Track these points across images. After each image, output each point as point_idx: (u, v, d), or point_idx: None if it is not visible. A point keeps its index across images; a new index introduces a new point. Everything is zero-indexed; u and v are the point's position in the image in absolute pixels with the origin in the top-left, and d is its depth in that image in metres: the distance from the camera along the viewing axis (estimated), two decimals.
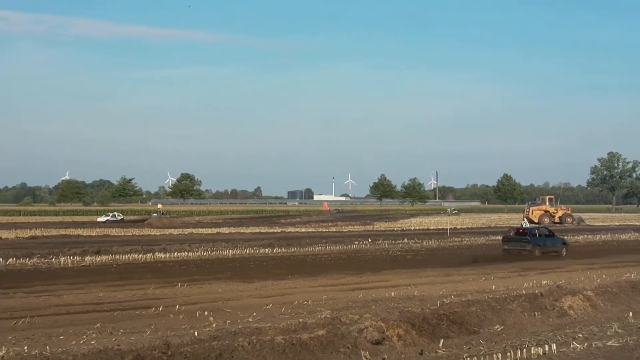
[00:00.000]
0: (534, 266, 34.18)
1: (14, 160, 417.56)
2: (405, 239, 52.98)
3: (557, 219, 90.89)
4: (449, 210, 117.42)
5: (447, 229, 68.34)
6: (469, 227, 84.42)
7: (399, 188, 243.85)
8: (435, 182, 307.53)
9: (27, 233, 62.59)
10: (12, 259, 34.17)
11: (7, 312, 19.25)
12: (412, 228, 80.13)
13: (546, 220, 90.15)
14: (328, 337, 14.50)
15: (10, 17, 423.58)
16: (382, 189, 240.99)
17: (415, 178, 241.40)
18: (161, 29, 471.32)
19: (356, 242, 49.45)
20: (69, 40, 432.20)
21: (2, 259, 33.99)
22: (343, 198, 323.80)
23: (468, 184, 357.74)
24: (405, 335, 15.57)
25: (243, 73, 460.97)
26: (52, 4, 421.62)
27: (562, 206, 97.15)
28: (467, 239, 55.96)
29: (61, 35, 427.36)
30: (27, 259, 34.34)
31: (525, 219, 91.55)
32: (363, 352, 14.28)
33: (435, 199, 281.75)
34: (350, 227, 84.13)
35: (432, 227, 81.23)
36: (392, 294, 23.16)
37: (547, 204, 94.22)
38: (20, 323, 17.46)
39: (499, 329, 17.14)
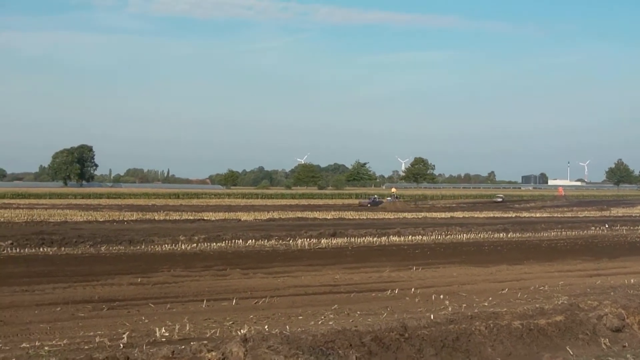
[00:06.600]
0: None
1: (252, 145, 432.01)
2: None
3: None
4: None
5: None
6: None
7: (637, 173, 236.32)
8: None
9: (265, 215, 64.80)
10: (252, 240, 35.50)
11: (248, 291, 19.99)
12: None
13: None
14: (566, 323, 14.23)
15: (256, 6, 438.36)
16: (618, 174, 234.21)
17: None
18: (404, 15, 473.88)
19: (592, 228, 48.23)
20: (313, 27, 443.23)
21: (242, 240, 35.40)
22: (578, 183, 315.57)
23: None
24: None
25: (476, 58, 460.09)
26: None
27: None
28: None
29: (306, 22, 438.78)
30: (266, 241, 35.53)
31: None
32: (602, 339, 13.95)
33: None
34: (586, 212, 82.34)
35: None
36: (632, 280, 22.44)
37: None
38: (260, 303, 18.13)
39: None
